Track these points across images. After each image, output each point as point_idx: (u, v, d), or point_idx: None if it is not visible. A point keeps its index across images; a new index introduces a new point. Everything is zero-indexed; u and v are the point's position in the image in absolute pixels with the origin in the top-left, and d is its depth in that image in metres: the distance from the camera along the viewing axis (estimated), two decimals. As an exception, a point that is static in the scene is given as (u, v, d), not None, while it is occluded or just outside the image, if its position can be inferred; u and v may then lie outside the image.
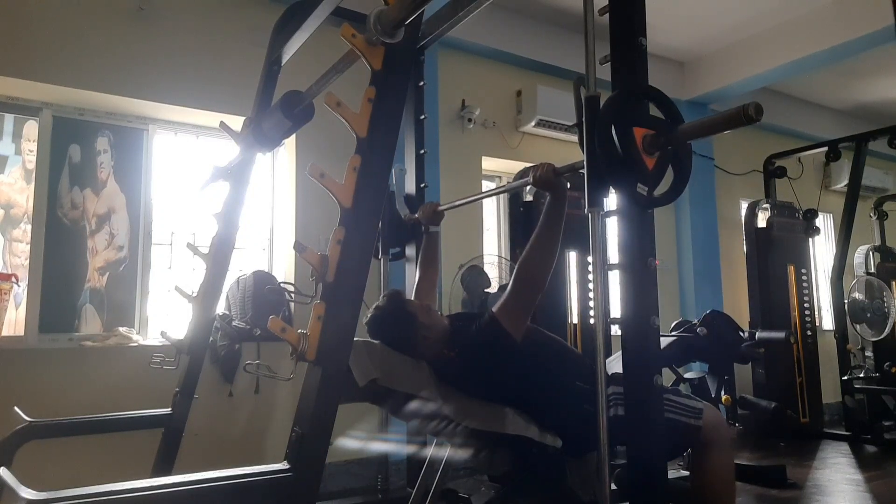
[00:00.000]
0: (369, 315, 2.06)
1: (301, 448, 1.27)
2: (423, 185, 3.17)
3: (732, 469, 2.00)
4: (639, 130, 1.49)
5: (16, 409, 2.03)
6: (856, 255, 5.87)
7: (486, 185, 4.75)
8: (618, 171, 1.50)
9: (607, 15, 1.69)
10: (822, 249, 6.59)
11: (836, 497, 3.41)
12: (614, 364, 2.03)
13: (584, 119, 1.60)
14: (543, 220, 1.91)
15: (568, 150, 4.78)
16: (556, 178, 1.93)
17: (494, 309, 1.96)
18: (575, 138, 5.10)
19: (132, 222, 3.48)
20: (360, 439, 3.24)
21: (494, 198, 4.83)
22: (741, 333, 3.23)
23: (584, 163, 1.59)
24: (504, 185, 2.50)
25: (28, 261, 3.23)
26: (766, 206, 5.38)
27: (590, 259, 3.04)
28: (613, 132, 1.48)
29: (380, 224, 2.97)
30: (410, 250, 3.07)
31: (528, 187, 4.34)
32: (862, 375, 5.18)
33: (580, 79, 1.64)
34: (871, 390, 5.03)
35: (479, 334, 1.96)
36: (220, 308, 3.45)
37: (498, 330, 1.90)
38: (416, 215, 2.70)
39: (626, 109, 1.52)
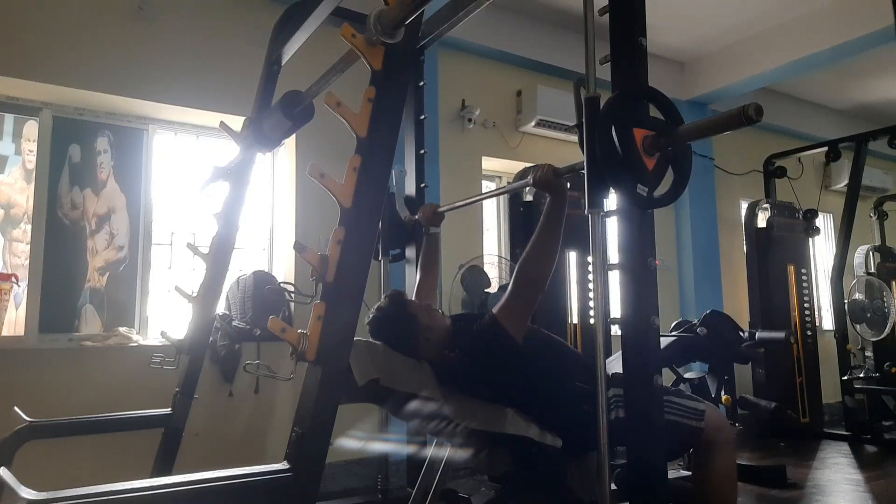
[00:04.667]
0: (370, 316, 2.06)
1: (301, 448, 1.27)
2: (423, 185, 3.17)
3: (735, 470, 2.00)
4: (639, 131, 1.49)
5: (16, 409, 2.03)
6: (856, 255, 5.87)
7: (486, 186, 4.75)
8: (618, 172, 1.50)
9: (607, 15, 1.69)
10: (822, 249, 6.59)
11: (836, 497, 3.41)
12: (614, 364, 2.03)
13: (584, 120, 1.60)
14: (543, 220, 1.90)
15: (568, 150, 4.78)
16: (555, 179, 1.92)
17: (495, 310, 1.95)
18: (575, 139, 5.10)
19: (132, 222, 3.48)
20: (360, 439, 3.24)
21: (494, 198, 4.83)
22: (741, 333, 3.23)
23: (584, 164, 1.59)
24: (504, 186, 2.47)
25: (28, 261, 3.23)
26: (766, 206, 5.38)
27: (590, 259, 3.04)
28: (613, 133, 1.48)
29: (380, 225, 2.98)
30: (410, 251, 3.06)
31: (529, 187, 4.37)
32: (862, 375, 5.19)
33: (580, 80, 1.64)
34: (871, 390, 5.03)
35: (480, 335, 1.96)
36: (220, 308, 3.44)
37: (498, 330, 1.90)
38: (416, 216, 2.70)
39: (625, 110, 1.52)
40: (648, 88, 1.59)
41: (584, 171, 1.60)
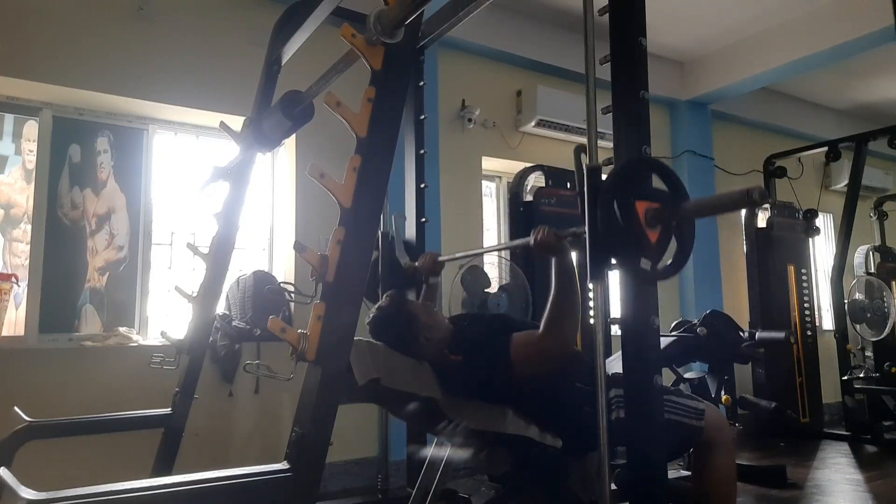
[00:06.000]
0: (371, 316, 2.06)
1: (301, 448, 1.27)
2: (423, 185, 3.17)
3: (734, 469, 2.00)
4: (641, 204, 1.46)
5: (16, 409, 2.03)
6: (856, 255, 5.87)
7: (486, 185, 4.75)
8: (620, 246, 1.47)
9: (607, 15, 1.69)
10: (822, 249, 6.59)
11: (836, 497, 3.41)
12: (614, 364, 2.03)
13: (585, 189, 1.55)
14: (556, 286, 1.86)
15: (568, 150, 4.75)
16: (557, 242, 1.89)
17: (514, 338, 1.91)
18: (575, 138, 5.06)
19: (132, 222, 3.48)
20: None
21: (494, 198, 4.84)
22: (741, 333, 3.22)
23: (586, 233, 1.54)
24: (504, 244, 2.42)
25: (28, 261, 3.23)
26: (766, 206, 5.38)
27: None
28: (615, 206, 1.45)
29: (379, 270, 2.96)
30: (410, 296, 3.00)
31: (529, 187, 4.37)
32: (862, 375, 5.18)
33: (580, 147, 1.61)
34: (871, 390, 5.03)
35: (485, 348, 1.95)
36: (220, 308, 3.44)
37: (505, 358, 1.88)
38: (416, 264, 2.68)
39: (628, 183, 1.49)
40: (651, 160, 1.57)
41: (586, 241, 1.55)
